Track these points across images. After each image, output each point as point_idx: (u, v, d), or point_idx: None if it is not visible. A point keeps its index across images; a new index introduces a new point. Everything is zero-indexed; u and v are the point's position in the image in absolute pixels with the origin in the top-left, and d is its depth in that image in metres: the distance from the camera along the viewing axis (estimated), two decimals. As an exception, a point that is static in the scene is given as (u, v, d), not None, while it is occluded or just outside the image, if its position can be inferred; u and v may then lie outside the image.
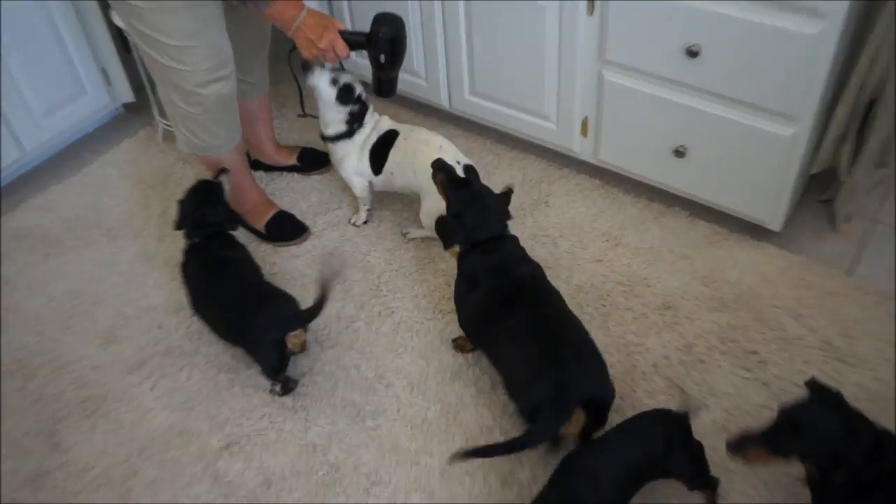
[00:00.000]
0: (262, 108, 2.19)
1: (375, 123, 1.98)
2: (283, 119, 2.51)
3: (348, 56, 1.76)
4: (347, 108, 1.91)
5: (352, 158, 1.98)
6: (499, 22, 2.05)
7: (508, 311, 1.51)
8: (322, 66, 1.91)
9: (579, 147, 2.16)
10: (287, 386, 1.80)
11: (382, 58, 1.73)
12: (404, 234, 2.09)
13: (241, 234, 2.12)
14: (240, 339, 1.76)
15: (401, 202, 2.26)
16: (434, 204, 1.89)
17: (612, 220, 2.11)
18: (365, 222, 2.08)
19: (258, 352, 1.75)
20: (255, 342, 1.74)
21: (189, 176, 2.35)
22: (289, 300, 1.77)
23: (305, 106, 2.04)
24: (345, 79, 1.89)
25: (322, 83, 1.90)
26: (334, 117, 1.93)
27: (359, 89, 1.92)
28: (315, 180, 2.32)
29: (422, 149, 1.91)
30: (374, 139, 1.97)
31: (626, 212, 2.13)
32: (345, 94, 1.91)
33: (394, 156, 1.95)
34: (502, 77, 2.15)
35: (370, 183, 2.06)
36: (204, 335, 1.94)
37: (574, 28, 1.93)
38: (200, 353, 1.90)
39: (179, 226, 1.87)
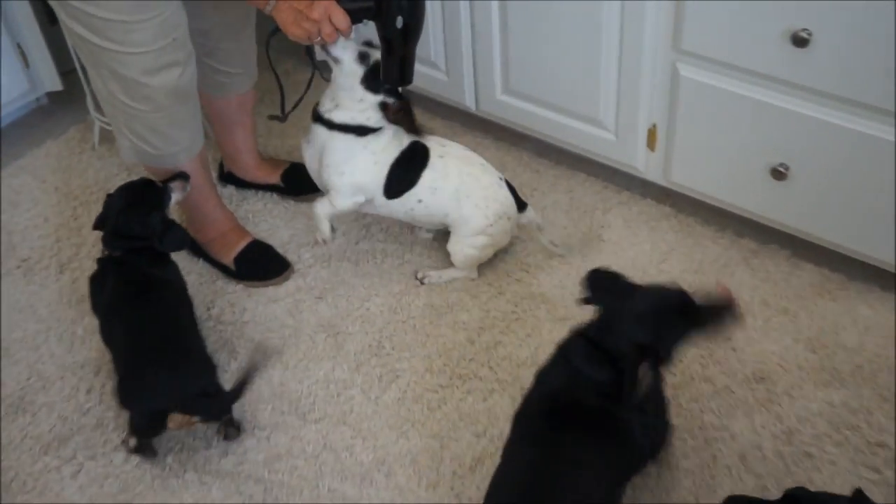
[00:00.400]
0: (242, 110, 2.10)
1: (395, 131, 1.83)
2: (261, 122, 2.42)
3: (350, 31, 1.61)
4: (377, 98, 1.74)
5: (357, 165, 1.80)
6: (541, 2, 1.98)
7: None
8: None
9: (644, 164, 2.07)
10: (145, 450, 1.68)
11: (399, 20, 1.58)
12: (421, 279, 1.99)
13: (202, 270, 2.04)
14: (119, 382, 1.64)
15: (408, 231, 2.14)
16: (472, 235, 1.86)
17: (687, 261, 2.01)
18: (333, 230, 1.93)
19: (130, 408, 1.64)
20: (129, 397, 1.62)
21: None
22: (201, 369, 1.66)
23: (287, 105, 1.89)
24: (377, 56, 1.72)
25: (347, 56, 1.71)
26: (354, 104, 1.75)
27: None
28: (303, 205, 2.22)
29: (466, 169, 1.85)
30: (393, 151, 1.82)
31: (705, 250, 2.03)
32: (377, 78, 1.73)
33: (429, 178, 1.83)
34: (545, 72, 2.07)
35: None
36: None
37: (641, 8, 1.83)
38: (144, 428, 1.76)
39: (98, 225, 1.78)
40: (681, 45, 1.82)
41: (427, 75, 2.29)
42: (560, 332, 1.80)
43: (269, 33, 1.69)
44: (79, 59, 2.10)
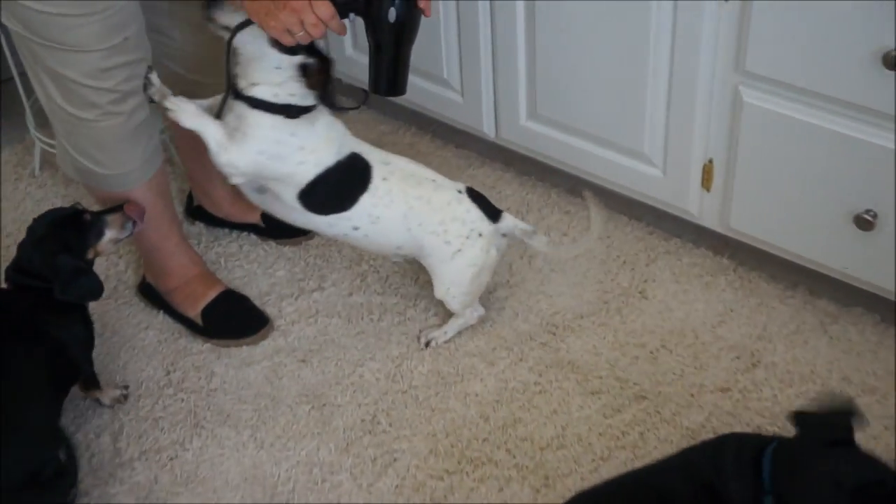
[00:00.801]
0: None
1: (330, 128, 1.77)
2: None
3: (336, 21, 1.56)
4: (294, 59, 1.66)
5: (261, 143, 1.70)
6: (576, 13, 1.96)
7: None
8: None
9: (698, 207, 2.03)
10: None
11: (392, 13, 1.55)
12: (425, 343, 1.97)
13: (162, 325, 2.01)
14: None
15: (412, 281, 2.10)
16: (458, 273, 1.85)
17: (749, 325, 1.97)
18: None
19: None
20: None
21: None
22: (26, 451, 1.57)
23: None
24: None
25: (239, 19, 1.65)
26: (270, 75, 1.68)
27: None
28: (286, 249, 2.22)
29: (413, 192, 1.81)
30: (326, 155, 1.76)
31: (771, 312, 2.00)
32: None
33: (369, 204, 1.80)
34: (578, 94, 2.06)
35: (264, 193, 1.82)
36: None
37: (696, 21, 1.81)
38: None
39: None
40: (744, 65, 1.79)
41: (438, 95, 2.28)
42: (593, 408, 1.76)
43: (235, 28, 1.64)
44: (18, 64, 2.11)
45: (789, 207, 1.88)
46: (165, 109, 1.71)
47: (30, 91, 2.14)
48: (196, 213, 2.23)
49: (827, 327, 1.94)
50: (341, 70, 2.43)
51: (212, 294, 2.01)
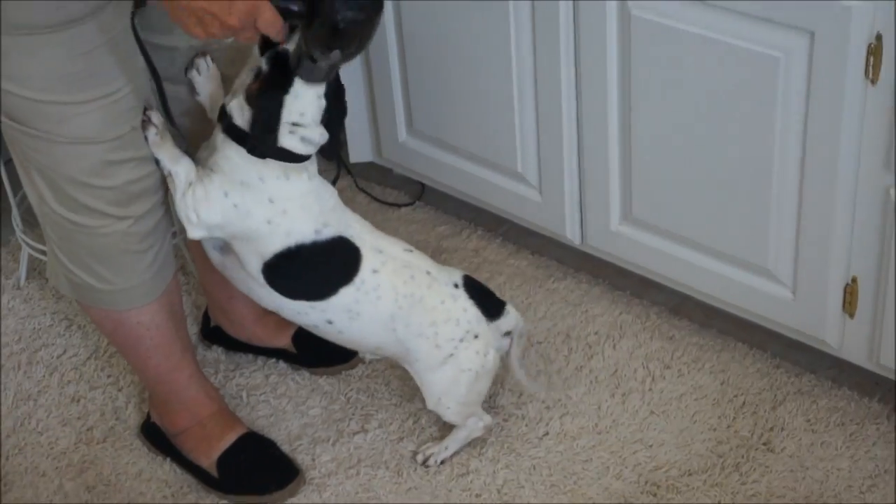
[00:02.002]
0: None
1: (322, 207, 1.82)
2: None
3: (284, 36, 1.61)
4: (317, 89, 1.72)
5: (225, 180, 1.74)
6: (681, 98, 1.95)
7: None
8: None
9: (839, 336, 2.00)
10: None
11: (336, 54, 1.60)
12: (422, 461, 2.01)
13: (168, 476, 1.98)
14: None
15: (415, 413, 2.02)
16: (450, 381, 1.90)
17: None
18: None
19: None
20: None
21: (73, 350, 2.29)
22: None
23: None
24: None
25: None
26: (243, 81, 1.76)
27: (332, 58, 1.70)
28: (322, 381, 2.19)
29: (405, 290, 1.86)
30: (300, 227, 1.79)
31: None
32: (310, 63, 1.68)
33: (350, 299, 1.84)
34: (683, 195, 2.05)
35: (219, 260, 1.87)
36: None
37: (835, 106, 1.78)
38: None
39: None
40: (900, 160, 1.76)
41: (511, 192, 2.29)
42: None
43: (134, 7, 1.65)
44: (3, 150, 2.11)
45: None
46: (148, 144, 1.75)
47: (17, 184, 2.14)
48: (213, 335, 2.22)
49: None
50: (392, 159, 2.43)
51: (230, 438, 1.98)
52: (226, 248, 1.82)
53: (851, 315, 1.93)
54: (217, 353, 2.22)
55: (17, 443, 2.08)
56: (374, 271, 1.83)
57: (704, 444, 1.96)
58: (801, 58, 1.76)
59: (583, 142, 2.12)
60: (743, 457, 1.94)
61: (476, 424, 1.97)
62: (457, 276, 1.92)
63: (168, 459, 2.01)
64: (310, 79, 1.66)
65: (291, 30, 1.62)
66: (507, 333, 1.93)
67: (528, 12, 2.06)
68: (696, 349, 2.15)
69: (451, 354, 1.87)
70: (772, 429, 1.99)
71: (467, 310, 1.87)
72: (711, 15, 1.84)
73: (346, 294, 1.83)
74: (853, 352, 1.98)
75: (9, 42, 1.56)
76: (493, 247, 2.42)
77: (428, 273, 1.88)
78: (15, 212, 2.36)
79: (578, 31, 2.01)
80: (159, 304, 1.86)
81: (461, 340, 1.87)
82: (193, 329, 2.22)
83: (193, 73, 1.78)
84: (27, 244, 2.36)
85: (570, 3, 2.00)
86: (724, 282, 2.06)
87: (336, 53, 1.60)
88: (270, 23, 1.56)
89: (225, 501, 1.96)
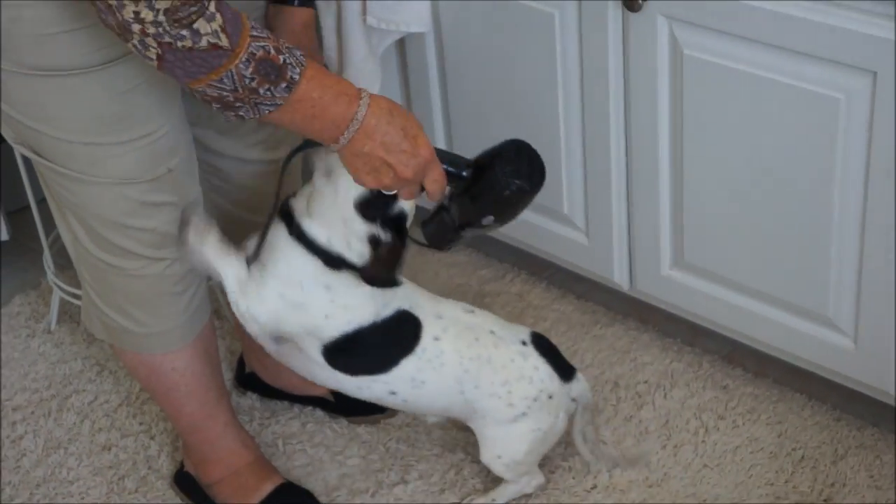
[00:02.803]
0: None
1: (386, 296, 1.87)
2: None
3: (441, 198, 1.65)
4: (368, 229, 1.75)
5: (285, 283, 1.77)
6: (733, 137, 1.93)
7: None
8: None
9: None
10: None
11: (489, 219, 1.64)
12: None
13: None
14: None
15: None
16: (517, 439, 1.90)
17: None
18: None
19: None
20: None
21: (104, 396, 2.28)
22: None
23: None
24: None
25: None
26: (335, 221, 1.76)
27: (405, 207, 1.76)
28: (361, 430, 2.18)
29: (469, 352, 1.87)
30: (366, 311, 1.81)
31: None
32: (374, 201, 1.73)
33: (413, 368, 1.86)
34: (736, 238, 2.03)
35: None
36: None
37: None
38: None
39: None
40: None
41: (557, 235, 2.28)
42: None
43: (294, 149, 1.68)
44: (37, 189, 2.13)
45: None
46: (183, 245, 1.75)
47: (49, 224, 2.15)
48: (248, 381, 2.21)
49: None
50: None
51: (267, 488, 1.97)
52: (280, 337, 1.83)
53: (921, 367, 1.89)
54: (252, 399, 2.21)
55: (47, 493, 2.07)
56: (436, 339, 1.85)
57: (762, 500, 1.93)
58: (863, 98, 1.74)
59: (632, 184, 2.11)
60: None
61: (529, 482, 1.95)
62: (524, 333, 1.92)
63: (202, 511, 2.00)
64: (433, 242, 1.72)
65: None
66: (573, 400, 1.92)
67: (576, 50, 2.06)
68: (752, 399, 2.12)
69: (524, 413, 1.86)
70: (833, 484, 1.95)
71: (539, 368, 1.87)
72: (768, 55, 1.83)
73: (408, 365, 1.85)
74: None
75: (44, 84, 1.55)
76: (537, 291, 2.41)
77: (492, 332, 1.89)
78: (47, 253, 2.38)
79: (628, 70, 2.00)
80: (194, 349, 1.86)
81: (535, 399, 1.86)
82: (228, 375, 2.21)
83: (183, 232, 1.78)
84: (59, 287, 2.37)
85: (620, 40, 1.99)
86: (780, 329, 2.03)
87: (489, 219, 1.63)
88: (437, 182, 1.58)
89: (256, 556, 1.94)
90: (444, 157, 1.61)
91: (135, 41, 1.36)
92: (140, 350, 1.84)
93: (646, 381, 2.14)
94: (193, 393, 1.87)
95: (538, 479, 1.95)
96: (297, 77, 1.43)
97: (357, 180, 1.58)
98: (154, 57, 1.37)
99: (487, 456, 1.92)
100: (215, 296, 2.30)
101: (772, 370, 2.16)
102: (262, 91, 1.42)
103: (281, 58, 1.42)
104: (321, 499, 2.00)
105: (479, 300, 2.34)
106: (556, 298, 2.38)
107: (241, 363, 2.23)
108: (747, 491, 1.93)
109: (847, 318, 1.94)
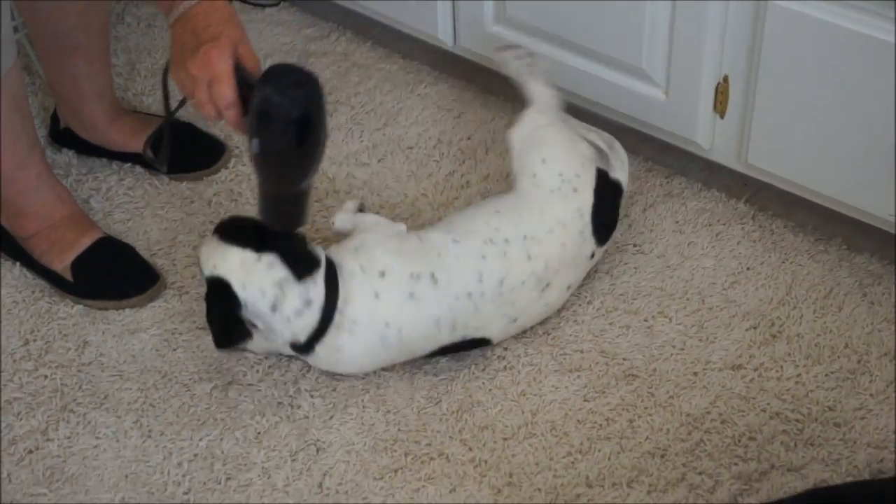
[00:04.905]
0: (86, 22, 2.06)
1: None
2: (123, 53, 2.46)
3: (235, 117, 1.62)
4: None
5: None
6: None
7: None
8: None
9: (709, 137, 2.07)
10: None
11: (255, 143, 1.61)
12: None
13: (17, 282, 2.03)
14: None
15: None
16: None
17: (770, 286, 2.01)
18: None
19: None
20: None
21: None
22: None
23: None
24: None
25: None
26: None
27: None
28: (183, 186, 2.22)
29: None
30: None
31: (797, 270, 2.04)
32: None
33: None
34: None
35: None
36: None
37: None
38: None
39: None
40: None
41: None
42: (570, 388, 1.85)
43: (168, 62, 1.69)
44: None
45: (824, 138, 1.90)
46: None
47: None
48: (63, 137, 2.21)
49: (867, 290, 1.97)
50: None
51: (85, 242, 2.00)
52: None
53: (722, 115, 2.00)
54: (68, 157, 2.23)
55: None
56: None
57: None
58: None
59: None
60: (614, 258, 2.03)
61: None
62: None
63: (17, 264, 2.03)
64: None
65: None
66: None
67: None
68: None
69: None
70: (642, 230, 2.08)
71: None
72: None
73: None
74: (723, 153, 2.06)
75: None
76: (362, 51, 2.45)
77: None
78: None
79: None
80: (1, 92, 1.83)
81: None
82: (42, 132, 2.21)
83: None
84: None
85: None
86: (596, 83, 2.11)
87: (255, 142, 1.59)
88: (220, 92, 1.57)
89: (80, 306, 1.99)
90: (244, 75, 1.59)
91: None
92: None
93: (469, 138, 2.22)
94: (2, 140, 1.86)
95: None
96: None
97: (173, 67, 1.61)
98: None
99: None
100: (25, 51, 2.28)
101: (591, 125, 2.17)
102: None
103: None
104: (143, 254, 2.05)
105: (304, 60, 2.37)
106: (382, 58, 2.42)
107: (54, 119, 2.22)
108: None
109: (659, 69, 2.02)
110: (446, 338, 1.82)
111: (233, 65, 1.57)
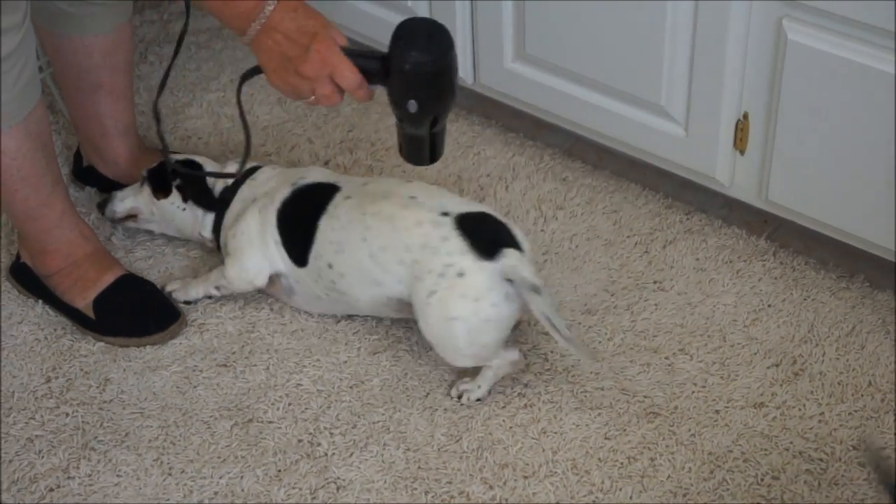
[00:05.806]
0: (110, 61, 2.08)
1: (277, 174, 2.08)
2: (146, 91, 2.47)
3: (365, 92, 1.67)
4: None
5: (248, 223, 2.01)
6: None
7: None
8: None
9: (729, 174, 2.08)
10: None
11: (412, 104, 1.63)
12: (457, 396, 1.92)
13: (40, 319, 2.03)
14: None
15: None
16: (438, 326, 1.82)
17: (791, 324, 2.01)
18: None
19: None
20: None
21: None
22: None
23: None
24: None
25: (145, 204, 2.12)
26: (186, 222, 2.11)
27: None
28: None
29: (372, 208, 1.89)
30: (280, 193, 2.01)
31: (820, 307, 2.04)
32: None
33: (328, 228, 1.93)
34: (576, 29, 2.08)
35: (280, 283, 2.02)
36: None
37: None
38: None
39: None
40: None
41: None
42: (591, 427, 1.83)
43: (244, 74, 1.72)
44: None
45: (845, 174, 1.90)
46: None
47: None
48: (86, 175, 2.22)
49: (890, 327, 1.96)
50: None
51: (107, 279, 2.01)
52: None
53: (742, 152, 2.00)
54: (90, 193, 2.23)
55: None
56: (348, 197, 1.91)
57: (596, 284, 2.06)
58: None
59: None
60: (634, 295, 2.03)
61: (503, 360, 1.86)
62: (454, 206, 1.85)
63: (40, 302, 2.03)
64: (412, 159, 1.72)
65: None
66: (510, 281, 1.78)
67: None
68: (590, 191, 2.22)
69: (434, 291, 1.78)
70: (662, 267, 2.08)
71: (448, 238, 1.79)
72: None
73: (324, 226, 1.90)
74: (743, 189, 2.06)
75: None
76: (380, 89, 2.33)
77: (412, 197, 1.88)
78: None
79: None
80: (26, 131, 1.84)
81: (440, 276, 1.78)
82: (65, 170, 2.22)
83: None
84: None
85: None
86: (617, 120, 2.11)
87: (413, 104, 1.61)
88: (346, 77, 1.61)
89: (101, 343, 1.99)
90: (353, 53, 1.63)
91: None
92: None
93: (488, 175, 2.23)
94: (27, 178, 1.86)
95: (512, 354, 1.87)
96: None
97: (271, 82, 1.64)
98: None
99: (431, 336, 1.83)
100: (49, 90, 2.31)
101: (610, 163, 2.25)
102: None
103: None
104: (162, 289, 2.04)
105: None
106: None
107: (77, 157, 2.23)
108: (583, 275, 2.05)
109: (679, 106, 2.02)
110: None
111: (340, 50, 1.62)
